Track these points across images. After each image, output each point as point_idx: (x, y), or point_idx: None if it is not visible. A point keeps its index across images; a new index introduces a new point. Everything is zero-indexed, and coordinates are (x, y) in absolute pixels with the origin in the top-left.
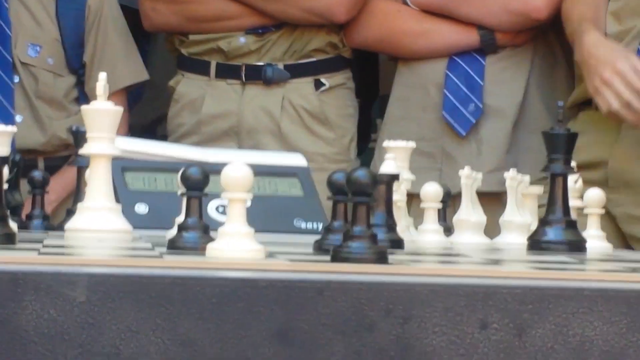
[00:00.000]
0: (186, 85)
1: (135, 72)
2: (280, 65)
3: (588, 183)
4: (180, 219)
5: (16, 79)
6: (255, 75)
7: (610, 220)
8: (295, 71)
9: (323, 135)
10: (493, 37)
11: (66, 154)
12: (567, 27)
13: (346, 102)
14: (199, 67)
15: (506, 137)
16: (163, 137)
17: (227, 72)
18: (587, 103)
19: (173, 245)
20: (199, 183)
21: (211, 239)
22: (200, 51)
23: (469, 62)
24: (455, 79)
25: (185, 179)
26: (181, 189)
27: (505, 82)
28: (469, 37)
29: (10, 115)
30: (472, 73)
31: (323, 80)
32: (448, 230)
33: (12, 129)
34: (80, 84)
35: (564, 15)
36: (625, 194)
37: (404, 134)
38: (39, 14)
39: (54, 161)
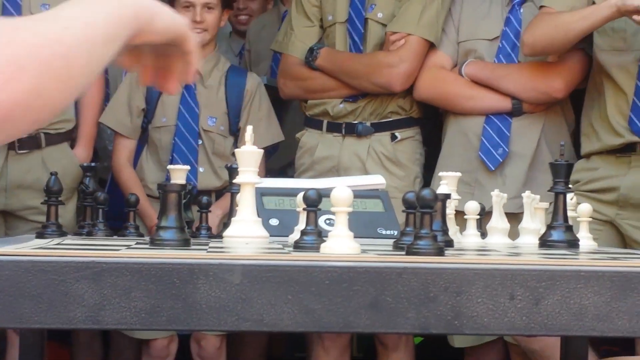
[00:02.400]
0: (307, 137)
1: (274, 135)
2: (368, 123)
3: (604, 203)
4: (300, 227)
5: (200, 142)
6: (351, 130)
7: (617, 230)
8: (378, 127)
9: (396, 173)
10: (521, 106)
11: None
12: (558, 26)
13: (414, 150)
14: (315, 124)
15: (523, 174)
16: (291, 177)
17: (333, 127)
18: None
19: (297, 245)
20: (315, 201)
21: (323, 240)
22: (316, 113)
23: (500, 119)
24: (490, 131)
25: (305, 199)
26: (303, 206)
27: (525, 135)
28: (504, 104)
29: (194, 168)
30: (502, 127)
31: (397, 134)
32: (483, 235)
33: (186, 167)
34: (237, 142)
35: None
36: (631, 211)
37: (451, 167)
38: (214, 95)
39: (221, 194)
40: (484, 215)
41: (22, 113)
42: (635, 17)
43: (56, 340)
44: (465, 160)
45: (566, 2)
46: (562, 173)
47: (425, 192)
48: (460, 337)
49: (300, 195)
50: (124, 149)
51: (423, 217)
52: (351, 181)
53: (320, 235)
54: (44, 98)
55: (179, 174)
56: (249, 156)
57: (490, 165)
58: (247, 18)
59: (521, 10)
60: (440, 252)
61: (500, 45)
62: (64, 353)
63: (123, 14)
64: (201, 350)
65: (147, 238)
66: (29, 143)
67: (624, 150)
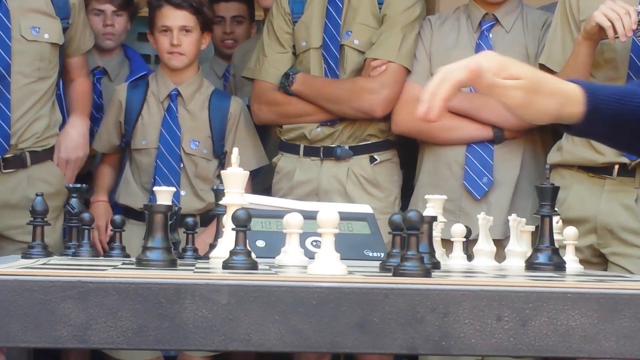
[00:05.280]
0: (284, 161)
1: (259, 158)
2: (346, 146)
3: (582, 232)
4: (286, 249)
5: (182, 165)
6: (330, 153)
7: (602, 257)
8: (356, 150)
9: (375, 195)
10: (502, 134)
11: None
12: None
13: (392, 172)
14: (292, 148)
15: (508, 201)
16: None
17: (310, 151)
18: (566, 166)
19: (226, 266)
20: (245, 221)
21: (253, 260)
22: (292, 137)
23: (482, 147)
24: (473, 159)
25: (235, 219)
26: (289, 227)
27: (507, 162)
28: (486, 133)
29: (177, 192)
30: (485, 155)
31: (376, 156)
32: (470, 257)
33: (172, 189)
34: (221, 165)
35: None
36: (609, 238)
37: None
38: (197, 119)
39: (205, 215)
40: (470, 240)
41: None
42: (607, 37)
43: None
44: (448, 189)
45: (561, 62)
46: (548, 196)
47: (412, 214)
48: None
49: (287, 216)
50: (109, 159)
51: (410, 239)
52: (338, 208)
53: (250, 255)
54: None
55: (165, 195)
56: (235, 178)
57: (476, 195)
58: (233, 43)
59: (490, 36)
60: (427, 274)
61: None
62: None
63: None
64: None
65: (133, 259)
66: (14, 162)
67: (599, 171)
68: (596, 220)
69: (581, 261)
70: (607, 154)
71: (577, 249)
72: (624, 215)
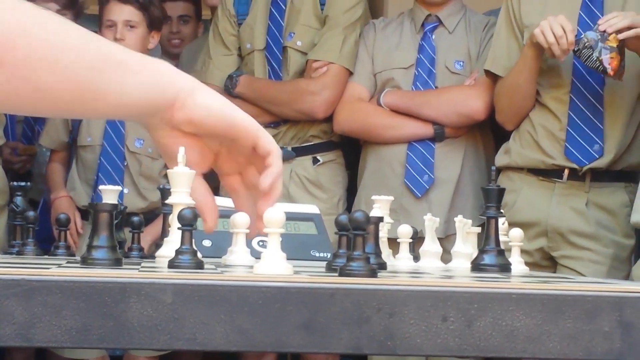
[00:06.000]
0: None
1: None
2: (289, 148)
3: (532, 235)
4: (232, 248)
5: (125, 163)
6: None
7: (551, 259)
8: (299, 151)
9: (319, 196)
10: (443, 131)
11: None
12: (507, 93)
13: (336, 173)
14: None
15: (449, 199)
16: None
17: None
18: (514, 168)
19: (172, 265)
20: (191, 220)
21: (199, 259)
22: None
23: (423, 145)
24: (414, 157)
25: (180, 218)
26: (235, 227)
27: (448, 160)
28: (426, 131)
29: (120, 192)
30: (426, 153)
31: (319, 157)
32: (416, 258)
33: (118, 188)
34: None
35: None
36: (560, 241)
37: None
38: None
39: (148, 214)
40: (416, 240)
41: None
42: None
43: None
44: (390, 188)
45: (506, 67)
46: (494, 198)
47: (358, 214)
48: None
49: (233, 216)
50: (57, 157)
51: (355, 239)
52: (285, 208)
53: (196, 254)
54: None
55: (110, 194)
56: (181, 177)
57: (417, 192)
58: (180, 42)
59: (433, 37)
60: (373, 274)
61: (416, 73)
62: None
63: (137, 64)
64: None
65: (78, 257)
66: None
67: (549, 175)
68: (547, 224)
69: (531, 264)
70: (556, 157)
71: (527, 252)
72: (575, 219)
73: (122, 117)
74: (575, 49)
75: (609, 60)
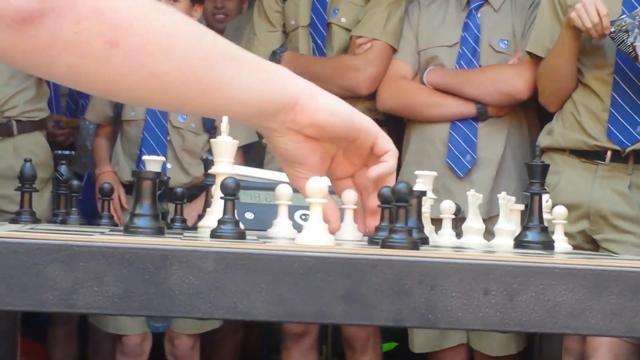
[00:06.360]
0: None
1: (249, 134)
2: None
3: (574, 218)
4: (277, 221)
5: (168, 138)
6: None
7: (594, 242)
8: None
9: None
10: (486, 110)
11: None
12: (548, 74)
13: None
14: None
15: (491, 179)
16: None
17: None
18: (557, 150)
19: (214, 235)
20: (234, 190)
21: (241, 230)
22: None
23: (466, 125)
24: (457, 137)
25: (223, 187)
26: (281, 199)
27: (491, 140)
28: (469, 110)
29: (163, 164)
30: (469, 133)
31: None
32: (459, 235)
33: (161, 158)
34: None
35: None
36: (602, 224)
37: None
38: None
39: (192, 190)
40: (459, 218)
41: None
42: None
43: (31, 337)
44: (432, 167)
45: (548, 48)
46: (538, 174)
47: (401, 186)
48: (419, 342)
49: (278, 187)
50: (103, 132)
51: (398, 211)
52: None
53: (238, 224)
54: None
55: (154, 164)
56: (224, 146)
57: (459, 172)
58: (224, 17)
59: (478, 15)
60: (415, 246)
61: (460, 51)
62: (39, 348)
63: (255, 63)
64: (174, 349)
65: (121, 227)
66: (1, 130)
67: (591, 157)
68: (589, 206)
69: (573, 246)
70: (599, 138)
71: (569, 235)
72: (618, 202)
73: (241, 116)
74: (612, 31)
75: None
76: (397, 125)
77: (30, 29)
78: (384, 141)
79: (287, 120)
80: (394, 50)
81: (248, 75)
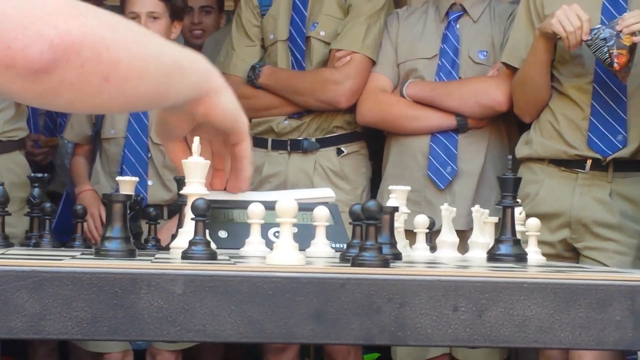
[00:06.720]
0: (253, 156)
1: None
2: (313, 139)
3: (555, 227)
4: (250, 239)
5: (149, 155)
6: (297, 146)
7: (574, 251)
8: (323, 143)
9: (343, 188)
10: (466, 122)
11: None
12: (521, 85)
13: (360, 164)
14: (260, 142)
15: (472, 191)
16: None
17: (278, 145)
18: (536, 159)
19: (185, 256)
20: (205, 211)
21: (212, 250)
22: (260, 131)
23: (446, 137)
24: (437, 149)
25: (194, 208)
26: (253, 218)
27: (472, 152)
28: (449, 122)
29: (144, 181)
30: (449, 145)
31: (343, 148)
32: (433, 249)
33: (135, 178)
34: None
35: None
36: (583, 233)
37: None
38: None
39: (173, 206)
40: (434, 230)
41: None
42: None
43: (13, 355)
44: (413, 179)
45: (523, 59)
46: (510, 187)
47: (370, 204)
48: (402, 353)
49: (250, 206)
50: (81, 150)
51: (368, 229)
52: (299, 194)
53: (209, 245)
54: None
55: (127, 185)
56: (195, 167)
57: (440, 184)
58: (201, 33)
59: (457, 26)
60: (385, 264)
61: (440, 63)
62: None
63: (189, 68)
64: None
65: (92, 249)
66: None
67: (571, 165)
68: (570, 215)
69: (553, 256)
70: (579, 147)
71: (550, 244)
72: (598, 210)
73: (165, 109)
74: (589, 38)
75: (617, 56)
76: (377, 138)
77: (41, 77)
78: (247, 147)
79: (190, 107)
80: (374, 63)
81: (186, 81)
